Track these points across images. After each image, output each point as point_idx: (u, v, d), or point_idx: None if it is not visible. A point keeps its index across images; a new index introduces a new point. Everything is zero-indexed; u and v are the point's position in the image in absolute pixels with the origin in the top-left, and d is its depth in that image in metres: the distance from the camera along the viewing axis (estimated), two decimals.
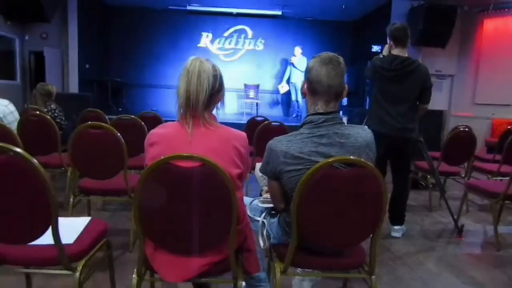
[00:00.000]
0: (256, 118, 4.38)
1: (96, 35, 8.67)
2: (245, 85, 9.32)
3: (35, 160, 1.29)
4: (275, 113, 9.95)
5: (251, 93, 9.02)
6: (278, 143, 1.45)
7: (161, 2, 8.93)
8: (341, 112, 5.16)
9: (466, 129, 3.96)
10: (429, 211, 3.92)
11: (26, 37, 7.52)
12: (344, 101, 9.18)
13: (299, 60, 8.59)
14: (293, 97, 8.84)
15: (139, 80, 9.68)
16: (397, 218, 3.13)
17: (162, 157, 1.26)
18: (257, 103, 9.06)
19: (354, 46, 10.00)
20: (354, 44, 9.98)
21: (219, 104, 1.47)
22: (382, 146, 2.16)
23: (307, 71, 1.48)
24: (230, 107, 9.34)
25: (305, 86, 1.51)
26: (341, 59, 1.45)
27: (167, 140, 1.38)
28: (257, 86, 9.31)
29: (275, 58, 9.88)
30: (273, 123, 3.60)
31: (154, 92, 9.72)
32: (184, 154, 1.26)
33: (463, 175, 4.06)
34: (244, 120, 7.28)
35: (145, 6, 9.21)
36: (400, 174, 3.09)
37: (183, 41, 9.73)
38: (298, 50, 8.65)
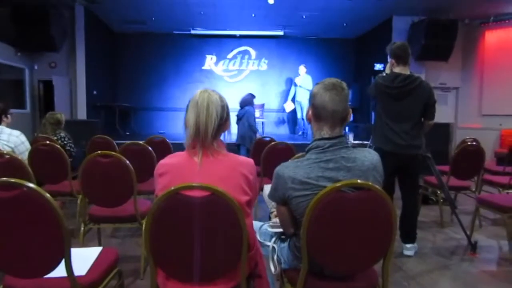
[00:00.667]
0: (263, 138, 4.40)
1: (103, 62, 8.87)
2: None
3: (48, 195, 1.32)
4: (281, 131, 10.01)
5: (257, 113, 9.08)
6: (285, 169, 1.47)
7: (165, 27, 9.16)
8: (347, 129, 5.16)
9: (474, 143, 3.94)
10: (441, 227, 3.86)
11: (35, 67, 7.72)
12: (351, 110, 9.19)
13: (304, 78, 8.69)
14: (299, 115, 8.89)
15: (146, 103, 9.84)
16: (409, 236, 3.09)
17: (172, 187, 1.28)
18: (262, 122, 9.11)
19: (357, 62, 10.10)
20: (357, 60, 10.09)
21: (226, 132, 1.50)
22: (388, 164, 2.17)
23: (311, 97, 1.52)
24: (235, 127, 9.40)
25: (310, 112, 1.54)
26: (344, 85, 1.49)
27: (176, 170, 1.41)
28: (262, 105, 9.39)
29: (279, 77, 10.00)
30: (279, 145, 3.61)
31: (161, 115, 9.86)
32: (194, 184, 1.28)
33: (474, 189, 4.02)
34: None
35: (150, 31, 9.45)
36: (408, 191, 3.08)
37: (188, 64, 9.92)
38: (302, 69, 8.78)
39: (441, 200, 3.91)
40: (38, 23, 6.72)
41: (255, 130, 5.59)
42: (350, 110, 1.51)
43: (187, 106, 1.43)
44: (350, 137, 5.45)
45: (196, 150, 1.41)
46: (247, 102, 5.69)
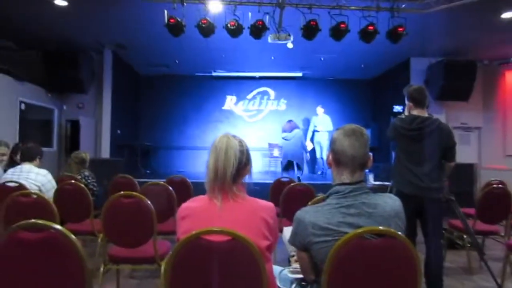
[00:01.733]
0: (281, 179, 4.41)
1: (127, 102, 9.22)
2: (269, 144, 9.46)
3: (73, 237, 1.36)
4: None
5: (275, 152, 9.12)
6: (305, 214, 1.47)
7: (188, 70, 9.53)
8: (367, 170, 5.10)
9: (500, 185, 3.82)
10: (470, 274, 3.68)
11: (64, 107, 8.09)
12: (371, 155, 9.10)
13: (322, 118, 8.75)
14: (318, 155, 8.87)
15: (167, 142, 10.05)
16: (435, 285, 2.95)
17: (194, 231, 1.30)
18: (281, 162, 9.10)
19: (375, 102, 10.14)
20: (375, 100, 10.13)
21: (247, 177, 1.52)
22: (409, 207, 2.13)
23: (331, 143, 1.54)
24: (255, 166, 9.37)
25: (330, 157, 1.56)
26: (364, 131, 1.51)
27: (197, 214, 1.43)
28: (281, 147, 9.45)
29: (297, 117, 10.08)
30: (298, 186, 3.60)
31: (181, 154, 10.02)
32: (215, 229, 1.30)
33: (503, 234, 3.84)
34: (269, 179, 7.29)
35: (173, 74, 9.83)
36: (431, 235, 2.97)
37: (208, 104, 10.18)
38: (320, 109, 8.88)
39: (468, 245, 3.75)
40: (68, 66, 7.12)
41: (306, 149, 7.52)
42: (371, 156, 1.52)
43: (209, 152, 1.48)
44: (371, 178, 5.38)
45: (216, 194, 1.43)
46: (294, 126, 7.43)
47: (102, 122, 7.97)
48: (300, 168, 7.42)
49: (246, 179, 1.54)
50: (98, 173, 4.66)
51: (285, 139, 7.39)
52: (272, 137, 9.67)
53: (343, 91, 10.18)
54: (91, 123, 8.05)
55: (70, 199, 3.36)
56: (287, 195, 3.53)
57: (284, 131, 7.54)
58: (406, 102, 3.03)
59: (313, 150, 9.13)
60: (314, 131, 8.90)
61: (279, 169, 9.03)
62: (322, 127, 8.63)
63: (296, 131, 7.33)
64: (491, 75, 8.28)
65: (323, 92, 10.14)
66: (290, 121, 7.81)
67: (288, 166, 7.39)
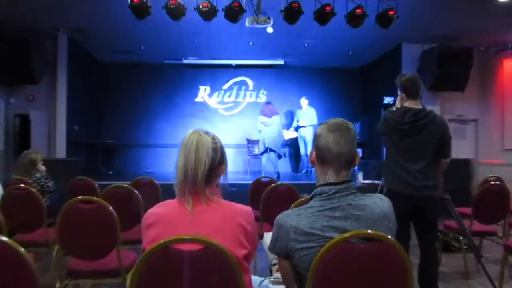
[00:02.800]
0: (261, 179, 4.42)
1: (86, 94, 9.02)
2: (248, 141, 9.49)
3: (22, 249, 1.32)
4: (282, 169, 9.94)
5: (255, 149, 9.15)
6: (287, 218, 1.47)
7: (155, 57, 9.42)
8: (356, 167, 5.14)
9: (498, 182, 3.95)
10: (466, 278, 3.80)
11: (12, 100, 7.85)
12: (359, 152, 9.23)
13: (306, 112, 8.81)
14: (302, 151, 8.95)
15: (133, 139, 9.93)
16: None
17: (162, 240, 1.29)
18: (258, 146, 9.11)
19: (364, 94, 10.31)
20: (364, 91, 10.30)
21: (221, 177, 1.52)
22: (401, 207, 2.17)
23: (314, 139, 1.55)
24: (233, 165, 9.43)
25: (313, 154, 1.57)
26: (350, 125, 1.52)
27: (165, 220, 1.42)
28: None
29: (279, 110, 10.10)
30: (281, 186, 3.62)
31: (149, 152, 9.93)
32: (185, 237, 1.29)
33: (501, 235, 3.98)
34: (248, 179, 7.32)
35: (139, 62, 9.70)
36: (426, 238, 3.05)
37: (179, 96, 10.12)
38: (304, 101, 8.94)
39: (464, 247, 3.87)
40: (17, 53, 6.88)
41: (283, 137, 8.02)
42: (358, 153, 1.54)
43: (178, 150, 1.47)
44: (360, 177, 5.48)
45: (186, 198, 1.43)
46: (274, 111, 7.66)
47: (57, 117, 7.78)
48: (280, 156, 7.85)
49: (221, 180, 1.53)
50: (52, 175, 4.55)
51: (264, 125, 7.66)
52: (251, 133, 9.66)
53: (329, 81, 10.30)
54: (44, 118, 7.85)
55: (19, 206, 3.26)
56: (267, 197, 3.54)
57: (263, 114, 7.76)
58: (399, 92, 3.09)
59: (297, 146, 9.21)
60: (297, 127, 8.95)
61: (259, 167, 9.06)
62: (306, 121, 8.70)
63: (275, 117, 7.63)
64: (488, 63, 8.53)
65: (307, 82, 10.24)
66: (268, 103, 7.99)
67: (265, 153, 7.82)
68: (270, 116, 7.67)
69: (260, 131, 7.82)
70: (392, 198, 1.59)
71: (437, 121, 2.97)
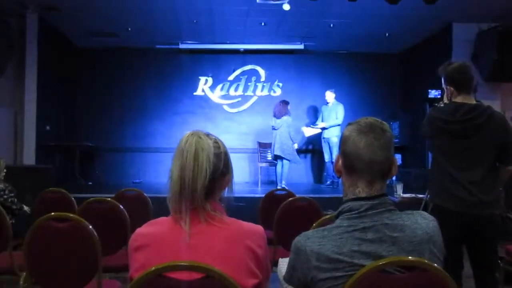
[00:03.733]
0: (275, 191, 4.43)
1: (60, 86, 9.15)
2: (259, 144, 9.50)
3: None
4: (302, 179, 10.01)
5: (268, 155, 9.16)
6: (307, 241, 1.48)
7: (145, 41, 9.52)
8: (393, 178, 5.11)
9: None
10: None
11: None
12: (398, 159, 9.12)
13: (333, 108, 8.79)
14: (326, 157, 8.92)
15: (117, 142, 10.02)
16: None
17: (153, 267, 1.30)
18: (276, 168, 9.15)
19: (404, 86, 10.27)
20: (405, 82, 10.25)
21: (226, 190, 1.53)
22: (452, 229, 2.15)
23: (341, 142, 1.55)
24: (240, 174, 9.46)
25: (340, 162, 1.57)
26: (386, 126, 1.52)
27: (157, 242, 1.43)
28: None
29: (297, 106, 10.10)
30: (300, 201, 3.62)
31: (137, 158, 10.03)
32: (182, 263, 1.31)
33: None
34: (259, 192, 7.34)
35: (124, 46, 9.79)
36: (483, 267, 3.02)
37: (175, 89, 10.20)
38: (330, 95, 8.90)
39: None
40: None
41: (293, 140, 8.13)
42: (396, 160, 1.54)
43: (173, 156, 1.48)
44: (398, 189, 5.41)
45: (183, 215, 1.44)
46: (284, 111, 8.05)
47: (24, 115, 7.88)
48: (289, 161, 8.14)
49: (226, 193, 1.54)
50: (19, 186, 4.61)
51: (272, 128, 8.18)
52: (262, 134, 9.65)
53: (360, 70, 10.28)
54: (8, 117, 7.94)
55: None
56: (283, 215, 3.54)
57: (273, 115, 8.23)
58: (444, 86, 3.07)
59: (320, 152, 9.20)
60: (322, 128, 8.87)
61: (273, 177, 9.06)
62: (328, 121, 8.66)
63: (285, 118, 7.99)
64: None
65: (333, 71, 10.24)
66: (282, 102, 8.29)
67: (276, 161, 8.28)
68: (279, 117, 8.05)
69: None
70: (439, 217, 1.59)
71: (496, 119, 2.94)
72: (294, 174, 9.96)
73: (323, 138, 8.88)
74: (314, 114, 9.92)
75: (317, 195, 6.97)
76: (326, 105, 8.97)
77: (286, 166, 8.05)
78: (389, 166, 1.51)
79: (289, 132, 8.02)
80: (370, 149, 1.48)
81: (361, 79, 10.24)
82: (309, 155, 10.15)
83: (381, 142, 1.48)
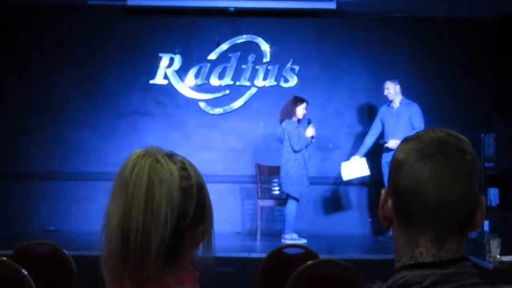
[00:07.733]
0: (283, 249, 4.45)
1: None
2: (258, 166, 9.47)
3: None
4: (349, 229, 9.79)
5: (275, 187, 9.19)
6: None
7: None
8: (486, 224, 5.17)
9: None
10: None
11: None
12: (491, 196, 8.96)
13: (403, 111, 8.79)
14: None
15: (18, 165, 10.03)
16: None
17: None
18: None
19: (502, 69, 10.17)
20: (505, 66, 10.21)
21: (199, 248, 1.54)
22: None
23: (391, 170, 1.53)
24: (226, 220, 9.37)
25: (389, 203, 1.57)
26: (466, 143, 1.50)
27: None
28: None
29: (325, 105, 10.10)
30: (325, 266, 3.64)
31: (51, 190, 10.00)
32: None
33: None
34: (258, 250, 7.35)
35: (37, 2, 9.85)
36: None
37: (117, 76, 10.22)
38: (392, 87, 8.88)
39: None
40: None
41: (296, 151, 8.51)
42: (483, 200, 1.54)
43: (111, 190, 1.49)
44: (493, 248, 5.43)
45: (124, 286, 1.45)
46: (285, 112, 8.58)
47: None
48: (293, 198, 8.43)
49: (200, 251, 1.56)
50: None
51: (279, 140, 8.80)
52: (264, 152, 9.76)
53: (429, 46, 10.29)
54: None
55: None
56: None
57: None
58: None
59: (381, 182, 9.19)
60: (383, 144, 8.88)
61: (280, 224, 9.04)
62: (408, 131, 8.56)
63: (284, 124, 8.56)
64: None
65: (385, 49, 10.24)
66: (294, 99, 8.64)
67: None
68: (280, 123, 8.65)
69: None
70: None
71: None
72: (323, 215, 9.96)
73: (386, 163, 8.77)
74: (356, 122, 9.90)
75: (365, 256, 6.97)
76: (388, 106, 8.96)
77: (290, 206, 8.20)
78: (470, 210, 1.52)
79: (290, 146, 8.45)
80: (438, 183, 1.47)
81: (431, 63, 10.28)
82: (364, 190, 10.05)
83: (457, 171, 1.49)
